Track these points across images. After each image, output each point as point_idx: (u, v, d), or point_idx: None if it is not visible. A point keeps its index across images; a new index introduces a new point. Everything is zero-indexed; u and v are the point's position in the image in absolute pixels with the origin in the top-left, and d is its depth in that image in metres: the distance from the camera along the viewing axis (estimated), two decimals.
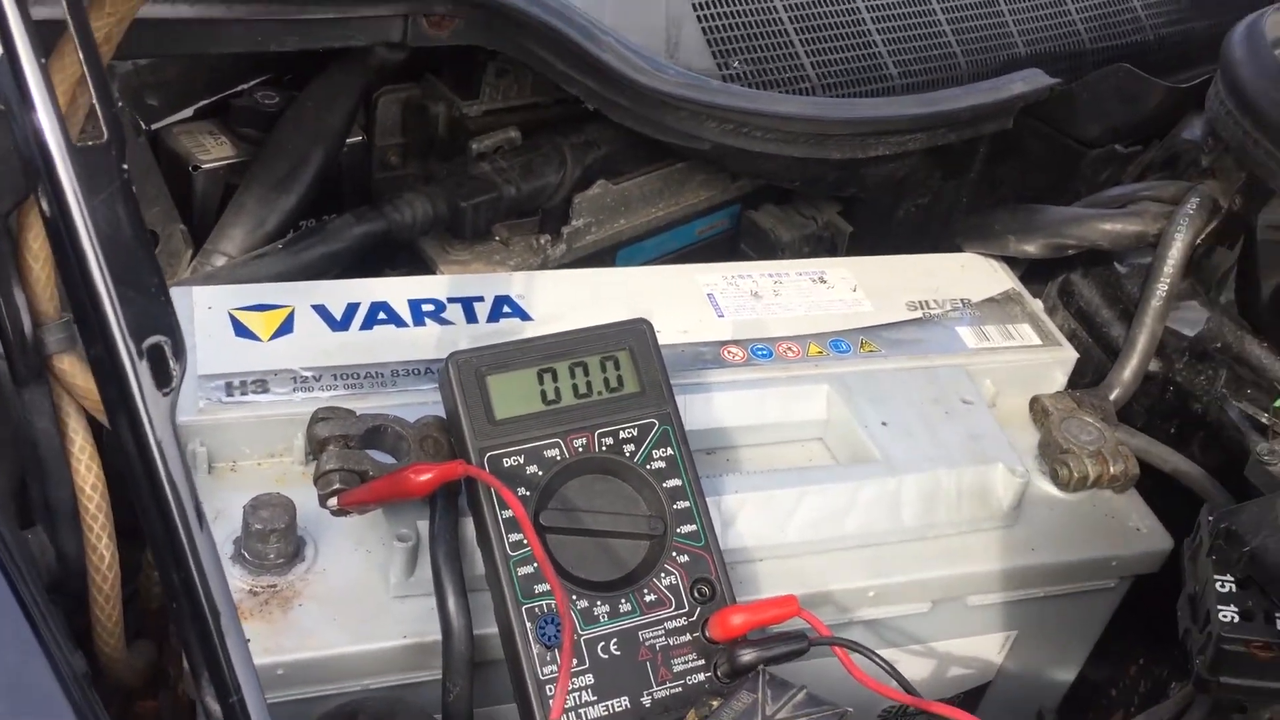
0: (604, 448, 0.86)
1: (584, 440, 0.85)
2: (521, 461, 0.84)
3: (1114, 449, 1.08)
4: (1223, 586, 0.85)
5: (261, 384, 0.96)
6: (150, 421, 0.61)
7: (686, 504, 0.86)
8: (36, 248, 0.82)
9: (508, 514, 0.81)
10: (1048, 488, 1.08)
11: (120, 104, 1.20)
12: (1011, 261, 1.28)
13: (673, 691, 0.82)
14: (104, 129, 0.61)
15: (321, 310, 1.03)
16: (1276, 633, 0.83)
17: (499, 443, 0.84)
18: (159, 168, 1.25)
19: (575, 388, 0.86)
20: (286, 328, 1.01)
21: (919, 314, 1.17)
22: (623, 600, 0.83)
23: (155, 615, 0.98)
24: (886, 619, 1.00)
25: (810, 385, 1.07)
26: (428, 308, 1.06)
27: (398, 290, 1.07)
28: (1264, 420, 1.14)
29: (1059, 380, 1.17)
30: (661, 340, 0.90)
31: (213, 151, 1.28)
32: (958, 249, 1.29)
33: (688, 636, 0.84)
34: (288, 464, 0.95)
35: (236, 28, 1.10)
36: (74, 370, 0.86)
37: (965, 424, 1.06)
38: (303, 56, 1.23)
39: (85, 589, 0.89)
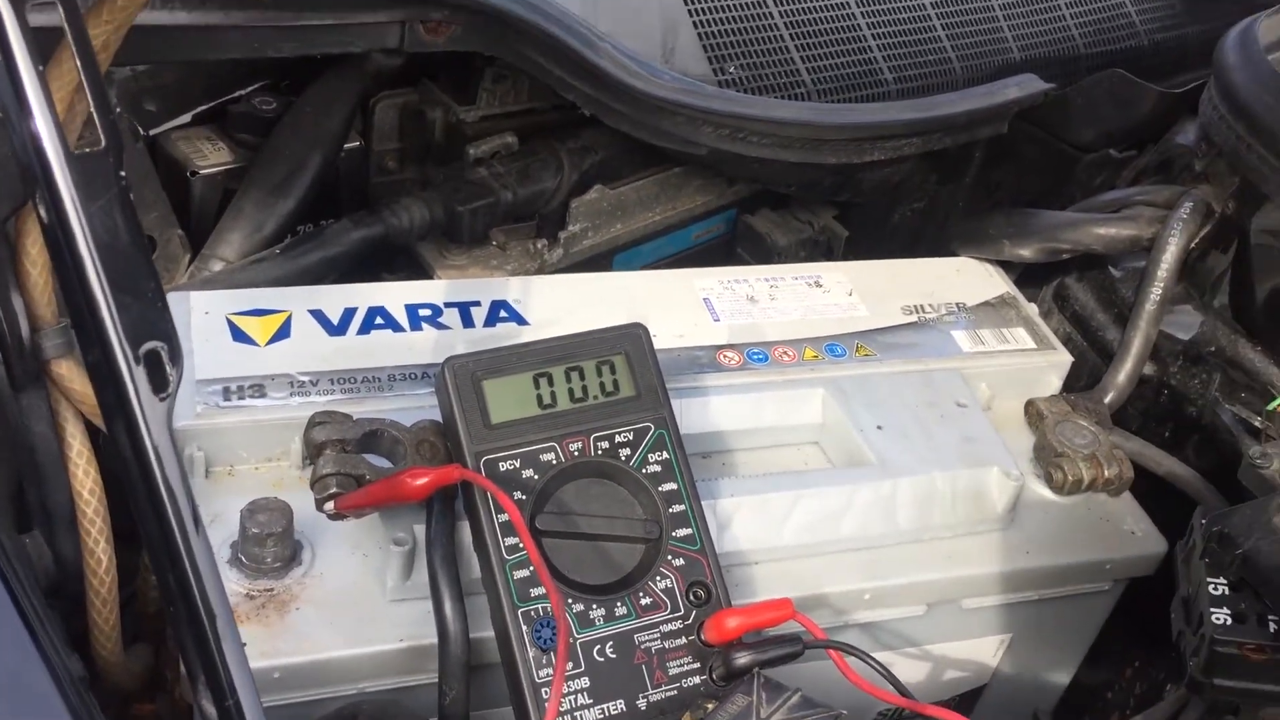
0: (600, 452, 0.86)
1: (580, 444, 0.86)
2: (517, 466, 0.84)
3: (1108, 452, 1.09)
4: (1215, 589, 0.85)
5: (258, 388, 0.96)
6: (147, 426, 0.62)
7: (682, 508, 0.87)
8: (34, 253, 0.83)
9: (504, 518, 0.82)
10: (1042, 491, 1.09)
11: (118, 110, 1.21)
12: (1007, 265, 1.28)
13: (668, 694, 0.83)
14: (102, 136, 0.62)
15: (318, 315, 1.03)
16: (1269, 635, 0.83)
17: (495, 447, 0.84)
18: (157, 173, 1.25)
19: (571, 392, 0.87)
20: (284, 332, 1.01)
21: (914, 318, 1.18)
22: (618, 604, 0.84)
23: (152, 619, 0.99)
24: (882, 622, 1.01)
25: (806, 389, 1.07)
26: (424, 312, 1.06)
27: (395, 295, 1.07)
28: (1257, 424, 1.14)
29: (1054, 384, 1.18)
30: (657, 344, 0.90)
31: (210, 157, 1.28)
32: (953, 253, 1.29)
33: (683, 639, 0.84)
34: (284, 468, 0.95)
35: (234, 34, 1.10)
36: (71, 375, 0.86)
37: (960, 427, 1.06)
38: (300, 62, 1.24)
39: (82, 593, 0.89)
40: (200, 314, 1.01)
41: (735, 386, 1.06)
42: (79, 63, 0.62)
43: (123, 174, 0.62)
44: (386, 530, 0.88)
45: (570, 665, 0.81)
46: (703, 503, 0.88)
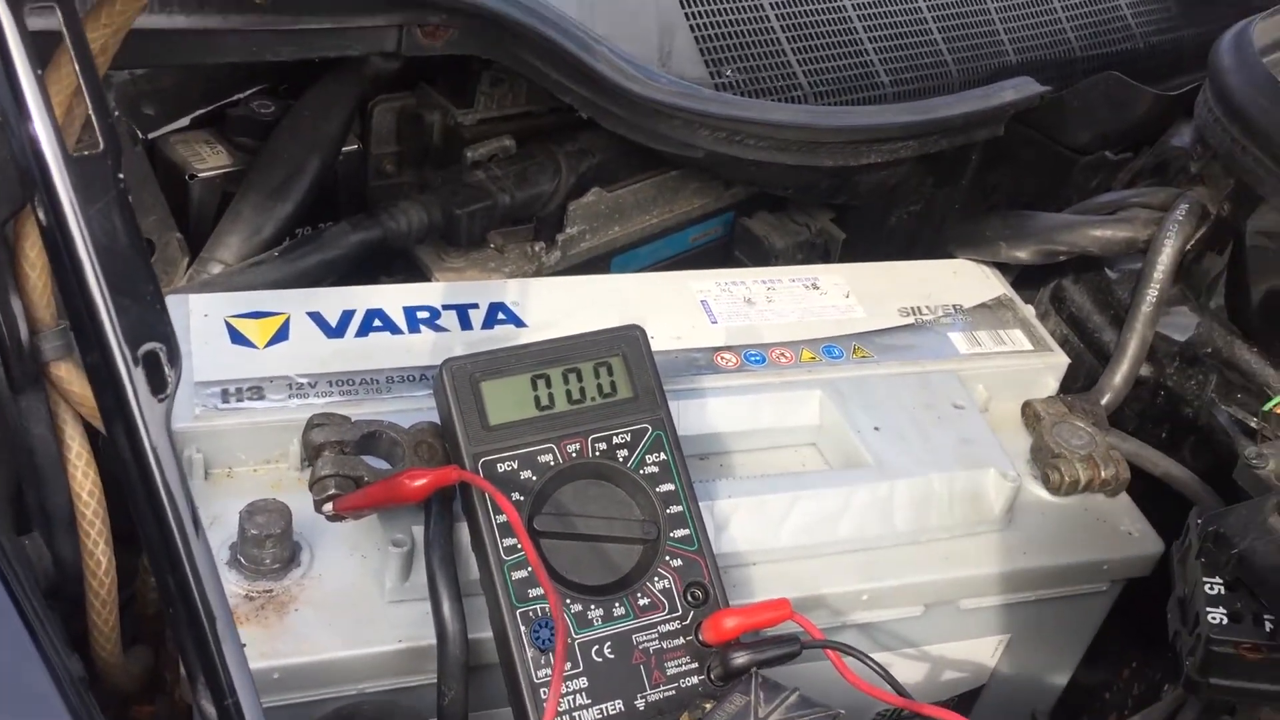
0: (597, 453, 0.86)
1: (578, 445, 0.86)
2: (515, 467, 0.84)
3: (1105, 453, 1.09)
4: (1211, 589, 0.86)
5: (257, 390, 0.96)
6: (146, 427, 0.62)
7: (680, 508, 0.87)
8: (33, 256, 0.83)
9: (502, 519, 0.82)
10: (1039, 492, 1.09)
11: (116, 114, 1.21)
12: (1003, 267, 1.29)
13: (666, 694, 0.83)
14: (100, 139, 0.62)
15: (317, 317, 1.04)
16: (1265, 634, 0.84)
17: (493, 448, 0.84)
18: (155, 177, 1.25)
19: (569, 393, 0.87)
20: (282, 335, 1.01)
21: (911, 320, 1.18)
22: (616, 604, 0.84)
23: (152, 620, 0.99)
24: (880, 623, 1.01)
25: (803, 390, 1.07)
26: (423, 314, 1.06)
27: (393, 297, 1.08)
28: (1253, 424, 1.14)
29: (1051, 385, 1.18)
30: (655, 346, 0.90)
31: (209, 160, 1.28)
32: (950, 255, 1.30)
33: (681, 640, 0.84)
34: (283, 470, 0.95)
35: (232, 38, 1.11)
36: (70, 377, 0.87)
37: (957, 429, 1.07)
38: (298, 66, 1.24)
39: (82, 594, 0.89)
40: (199, 316, 1.02)
41: (732, 388, 1.06)
42: (77, 66, 0.63)
43: (121, 176, 0.62)
44: (385, 531, 0.88)
45: (568, 665, 0.81)
46: (700, 504, 0.88)
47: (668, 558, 0.85)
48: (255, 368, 0.98)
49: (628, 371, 0.88)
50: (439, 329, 1.05)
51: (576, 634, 0.82)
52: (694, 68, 1.35)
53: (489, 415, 0.85)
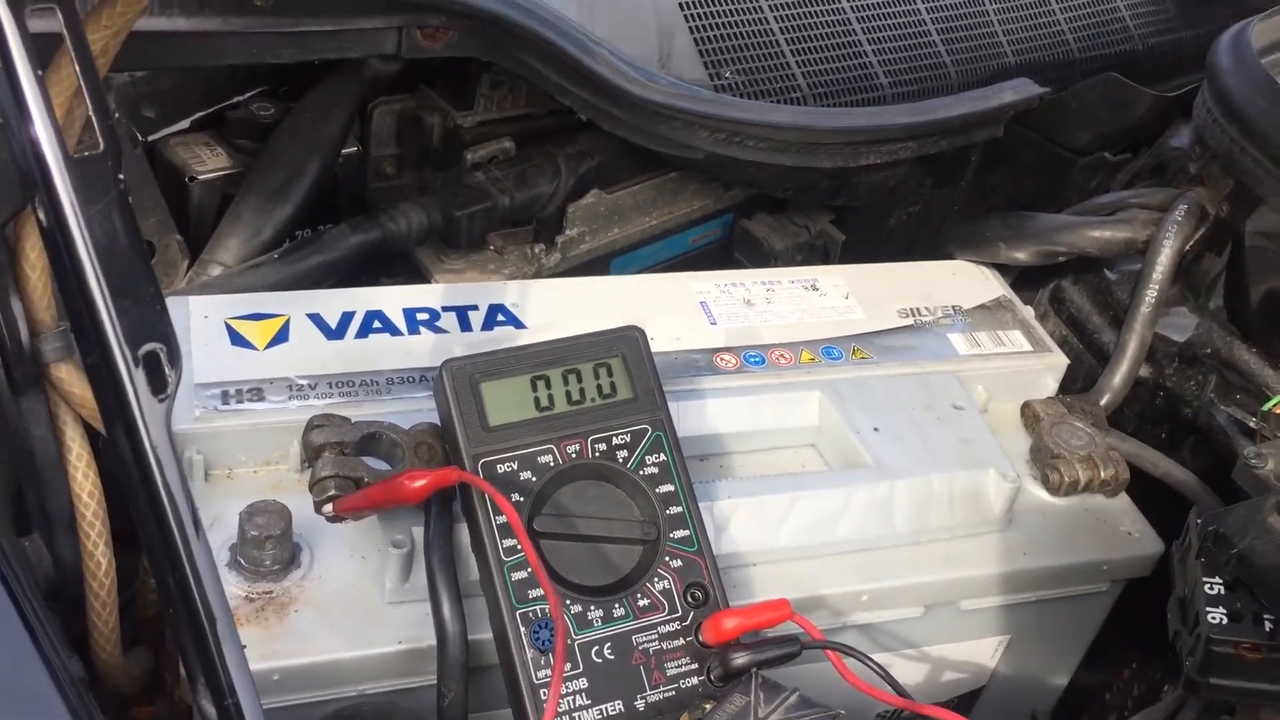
0: (597, 454, 0.86)
1: (577, 446, 0.86)
2: (515, 468, 0.84)
3: (1104, 454, 1.09)
4: (1211, 589, 0.86)
5: (257, 392, 0.96)
6: (146, 428, 0.62)
7: (679, 509, 0.87)
8: (34, 257, 0.83)
9: (502, 520, 0.82)
10: (1039, 492, 1.09)
11: (117, 116, 1.21)
12: (1002, 268, 1.29)
13: (666, 695, 0.83)
14: (100, 140, 0.62)
15: (317, 319, 1.04)
16: (1265, 634, 0.84)
17: (493, 449, 0.84)
18: (155, 179, 1.25)
19: (569, 394, 0.87)
20: (282, 336, 1.02)
21: (911, 321, 1.18)
22: (616, 605, 0.84)
23: (152, 622, 0.99)
24: (880, 623, 1.01)
25: (803, 392, 1.07)
26: (422, 316, 1.06)
27: (393, 299, 1.08)
28: (1252, 424, 1.14)
29: (1050, 386, 1.18)
30: (654, 347, 0.90)
31: (209, 163, 1.28)
32: (949, 256, 1.30)
33: (681, 640, 0.84)
34: (283, 471, 0.95)
35: (232, 40, 1.11)
36: (71, 378, 0.87)
37: (957, 429, 1.07)
38: (298, 68, 1.24)
39: (82, 595, 0.90)
40: (199, 318, 1.02)
41: (732, 389, 1.06)
42: (78, 68, 0.63)
43: (121, 178, 0.62)
44: (385, 532, 0.88)
45: (568, 666, 0.81)
46: (700, 505, 0.88)
47: (667, 558, 0.86)
48: (255, 369, 0.98)
49: (627, 372, 0.88)
50: (439, 330, 1.05)
51: (576, 635, 0.82)
52: (693, 69, 1.35)
53: (489, 416, 0.85)
